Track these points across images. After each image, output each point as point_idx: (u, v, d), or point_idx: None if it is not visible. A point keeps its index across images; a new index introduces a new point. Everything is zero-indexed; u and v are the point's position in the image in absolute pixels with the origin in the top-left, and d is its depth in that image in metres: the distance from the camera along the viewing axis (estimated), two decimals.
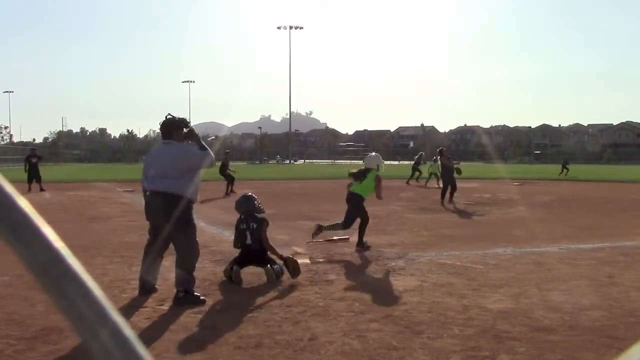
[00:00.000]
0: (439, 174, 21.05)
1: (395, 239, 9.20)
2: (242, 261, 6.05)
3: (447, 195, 15.73)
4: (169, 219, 5.25)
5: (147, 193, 5.54)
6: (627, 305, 5.08)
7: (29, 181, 19.95)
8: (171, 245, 5.56)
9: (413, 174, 24.56)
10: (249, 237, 6.08)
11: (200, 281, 6.00)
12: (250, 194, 6.46)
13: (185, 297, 5.22)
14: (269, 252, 6.12)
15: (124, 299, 5.37)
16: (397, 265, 6.91)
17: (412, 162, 26.08)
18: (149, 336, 4.22)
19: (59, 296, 0.38)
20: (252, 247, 6.06)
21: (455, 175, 15.90)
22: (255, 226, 6.11)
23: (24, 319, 4.67)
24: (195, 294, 5.35)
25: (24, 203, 0.41)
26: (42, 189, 19.68)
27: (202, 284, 5.87)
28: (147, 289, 5.48)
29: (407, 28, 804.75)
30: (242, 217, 6.23)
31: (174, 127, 5.60)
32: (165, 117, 5.70)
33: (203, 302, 5.25)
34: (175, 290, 5.30)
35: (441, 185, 17.19)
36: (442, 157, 16.02)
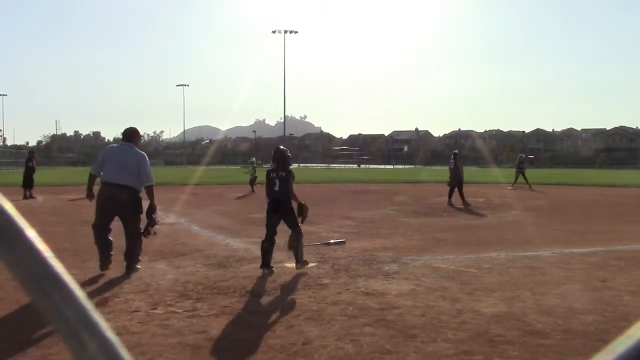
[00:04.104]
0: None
1: (389, 242, 9.20)
2: (272, 208, 6.74)
3: (458, 194, 16.32)
4: (133, 212, 6.53)
5: (108, 185, 6.53)
6: (620, 309, 5.10)
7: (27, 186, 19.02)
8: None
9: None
10: (277, 184, 6.78)
11: (194, 285, 6.00)
12: (284, 148, 7.16)
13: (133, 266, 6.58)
14: (292, 201, 6.81)
15: (116, 302, 5.35)
16: (390, 269, 6.91)
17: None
18: (141, 340, 4.20)
19: (42, 299, 0.38)
20: (279, 193, 6.74)
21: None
22: (283, 175, 6.83)
23: (17, 323, 4.64)
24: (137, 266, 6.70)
25: (7, 205, 0.41)
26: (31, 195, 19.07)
27: (196, 288, 5.86)
28: (106, 261, 6.57)
29: (401, 33, 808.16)
30: (273, 167, 6.95)
31: (136, 135, 7.00)
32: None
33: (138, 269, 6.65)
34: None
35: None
36: (457, 160, 16.74)
